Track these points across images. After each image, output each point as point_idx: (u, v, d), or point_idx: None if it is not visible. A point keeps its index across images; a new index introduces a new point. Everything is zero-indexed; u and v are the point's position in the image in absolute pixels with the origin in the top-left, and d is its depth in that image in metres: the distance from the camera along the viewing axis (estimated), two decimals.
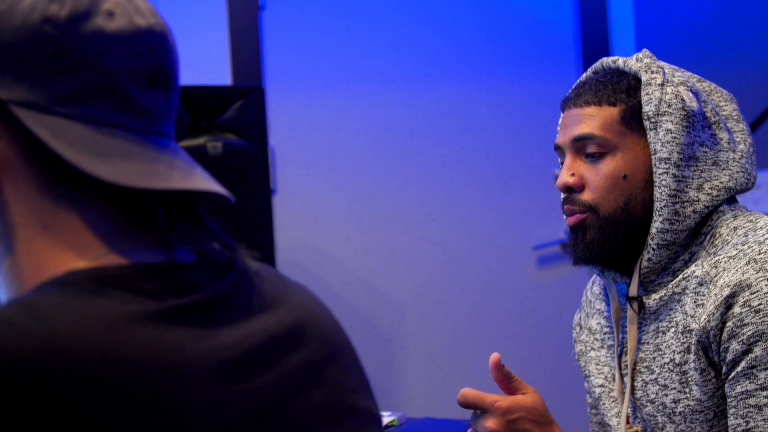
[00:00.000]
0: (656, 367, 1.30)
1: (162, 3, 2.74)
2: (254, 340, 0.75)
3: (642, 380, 1.32)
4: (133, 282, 0.71)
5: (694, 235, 1.29)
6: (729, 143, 1.31)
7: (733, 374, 1.19)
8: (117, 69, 0.74)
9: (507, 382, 1.26)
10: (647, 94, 1.28)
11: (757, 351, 1.16)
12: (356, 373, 0.85)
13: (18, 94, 0.72)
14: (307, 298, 0.86)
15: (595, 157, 1.30)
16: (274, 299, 0.81)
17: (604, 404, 1.41)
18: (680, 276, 1.27)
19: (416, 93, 3.21)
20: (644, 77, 1.30)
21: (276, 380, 0.75)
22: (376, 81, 3.18)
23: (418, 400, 3.17)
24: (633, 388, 1.34)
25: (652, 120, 1.28)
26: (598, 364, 1.43)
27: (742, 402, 1.18)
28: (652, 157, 1.27)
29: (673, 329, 1.28)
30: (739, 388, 1.19)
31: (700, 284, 1.24)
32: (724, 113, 1.36)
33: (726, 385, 1.21)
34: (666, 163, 1.26)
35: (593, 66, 1.39)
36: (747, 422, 1.18)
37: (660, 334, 1.30)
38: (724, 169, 1.30)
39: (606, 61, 1.37)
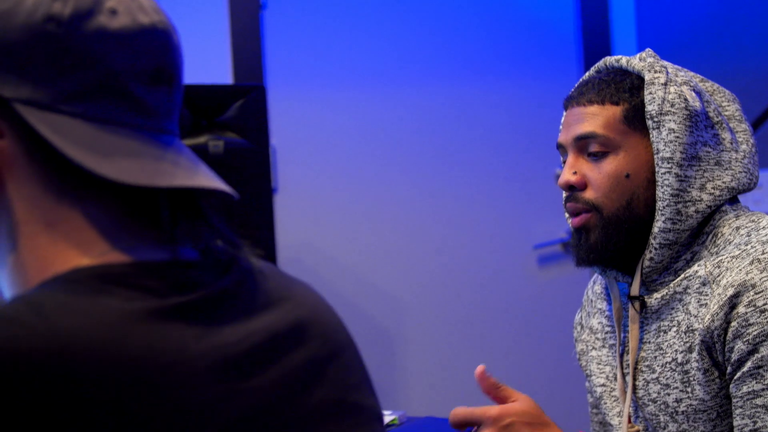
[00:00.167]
0: (657, 366, 1.30)
1: (163, 2, 2.74)
2: (256, 337, 0.75)
3: (643, 379, 1.32)
4: (136, 279, 0.71)
5: (696, 235, 1.29)
6: (731, 143, 1.32)
7: (738, 374, 1.19)
8: (120, 67, 0.74)
9: (495, 392, 1.26)
10: (650, 93, 1.28)
11: (764, 351, 1.16)
12: (358, 371, 0.85)
13: (22, 93, 0.72)
14: (310, 296, 0.86)
15: (597, 156, 1.30)
16: (277, 297, 0.81)
17: (605, 404, 1.41)
18: (682, 275, 1.27)
19: (417, 92, 3.21)
20: (647, 76, 1.30)
21: (278, 378, 0.75)
22: (377, 80, 3.18)
23: (419, 398, 3.17)
24: (634, 388, 1.34)
25: (655, 119, 1.28)
26: (599, 364, 1.43)
27: (749, 402, 1.18)
28: (655, 156, 1.27)
29: (675, 328, 1.28)
30: (745, 388, 1.18)
31: (703, 284, 1.24)
32: (726, 113, 1.36)
33: (731, 385, 1.21)
34: (669, 163, 1.26)
35: (596, 65, 1.39)
36: (755, 422, 1.18)
37: (662, 334, 1.30)
38: (726, 169, 1.30)
39: (609, 60, 1.37)
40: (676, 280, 1.28)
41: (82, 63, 0.72)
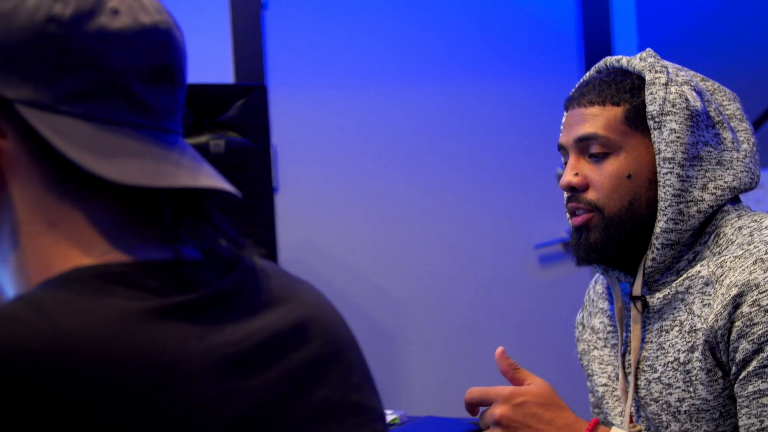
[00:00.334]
0: (659, 365, 1.30)
1: (164, 1, 2.74)
2: (257, 337, 0.75)
3: (645, 379, 1.32)
4: (136, 279, 0.71)
5: (698, 235, 1.29)
6: (733, 143, 1.31)
7: (743, 374, 1.19)
8: (121, 67, 0.74)
9: (513, 373, 1.27)
10: (651, 93, 1.28)
11: None
12: (361, 371, 0.85)
13: (24, 94, 0.72)
14: (312, 296, 0.86)
15: (599, 157, 1.30)
16: (279, 296, 0.81)
17: (607, 403, 1.41)
18: (684, 275, 1.27)
19: (418, 91, 3.21)
20: (648, 77, 1.30)
21: (279, 377, 0.75)
22: (377, 79, 3.18)
23: (419, 398, 3.17)
24: (636, 387, 1.34)
25: (656, 120, 1.28)
26: (601, 363, 1.43)
27: (755, 401, 1.18)
28: (657, 156, 1.27)
29: (677, 328, 1.28)
30: (751, 388, 1.18)
31: (706, 284, 1.24)
32: (727, 112, 1.36)
33: (736, 385, 1.21)
34: (670, 163, 1.26)
35: (597, 65, 1.39)
36: (762, 421, 1.18)
37: (663, 333, 1.30)
38: (728, 168, 1.30)
39: (609, 60, 1.37)
40: (678, 280, 1.28)
41: (83, 63, 0.72)
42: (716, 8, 3.32)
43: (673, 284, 1.28)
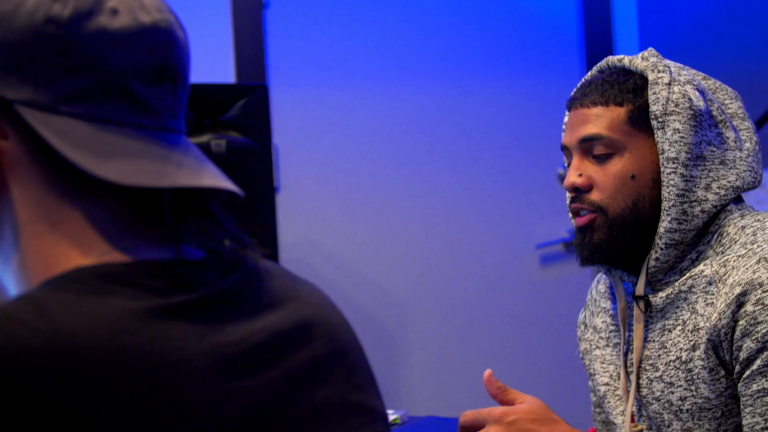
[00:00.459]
0: (661, 364, 1.30)
1: (165, 1, 2.74)
2: (259, 337, 0.75)
3: (647, 378, 1.32)
4: (137, 279, 0.71)
5: (702, 234, 1.29)
6: (735, 142, 1.31)
7: (747, 372, 1.19)
8: (121, 67, 0.74)
9: (502, 396, 1.28)
10: (654, 93, 1.28)
11: None
12: (363, 371, 0.85)
13: (23, 94, 0.72)
14: (315, 296, 0.86)
15: (602, 158, 1.30)
16: (282, 296, 0.81)
17: (609, 402, 1.41)
18: (687, 275, 1.27)
19: (420, 91, 3.21)
20: (651, 76, 1.29)
21: (280, 377, 0.75)
22: (379, 79, 3.17)
23: (421, 398, 3.17)
24: (638, 386, 1.34)
25: (660, 119, 1.27)
26: (603, 363, 1.43)
27: (759, 400, 1.18)
28: (660, 156, 1.27)
29: (679, 327, 1.28)
30: (755, 386, 1.19)
31: (709, 283, 1.24)
32: (729, 111, 1.36)
33: (740, 383, 1.21)
34: (674, 163, 1.26)
35: (599, 65, 1.39)
36: (766, 420, 1.18)
37: (666, 332, 1.30)
38: (731, 168, 1.30)
39: (612, 59, 1.37)
40: (681, 280, 1.28)
41: (82, 64, 0.72)
42: (717, 7, 3.32)
43: (676, 283, 1.28)
